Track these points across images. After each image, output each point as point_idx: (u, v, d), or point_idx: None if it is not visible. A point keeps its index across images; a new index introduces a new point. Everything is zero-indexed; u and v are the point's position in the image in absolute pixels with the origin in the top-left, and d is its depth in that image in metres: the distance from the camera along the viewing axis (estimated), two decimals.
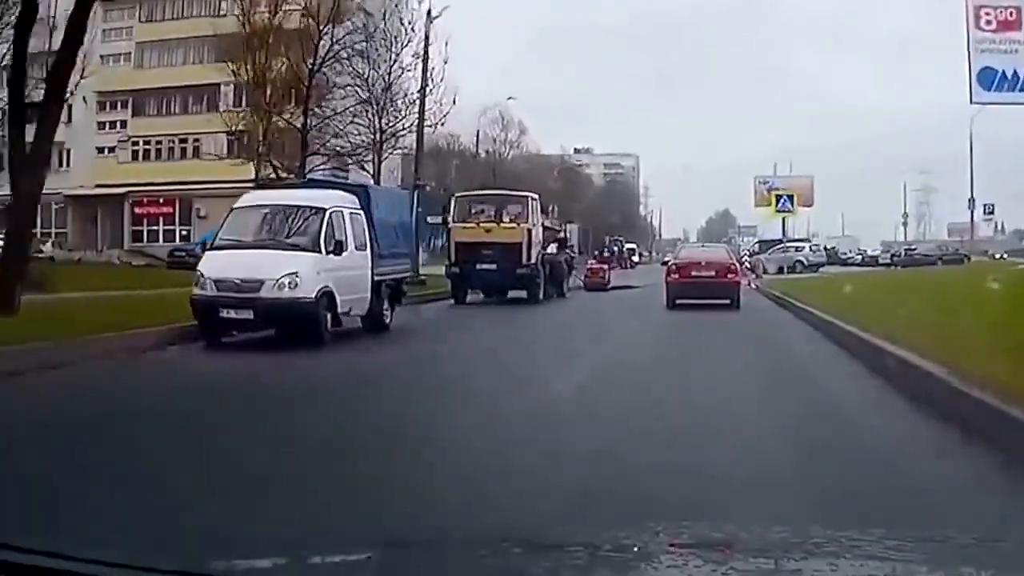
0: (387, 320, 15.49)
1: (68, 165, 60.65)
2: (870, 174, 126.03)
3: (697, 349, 13.20)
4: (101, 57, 61.76)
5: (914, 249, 56.77)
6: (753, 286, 31.20)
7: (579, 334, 16.30)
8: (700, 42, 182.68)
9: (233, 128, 32.67)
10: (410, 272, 16.83)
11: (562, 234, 30.48)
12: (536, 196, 25.70)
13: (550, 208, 72.40)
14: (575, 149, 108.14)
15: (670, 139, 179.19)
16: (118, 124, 60.60)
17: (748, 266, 43.87)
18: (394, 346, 14.22)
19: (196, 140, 54.31)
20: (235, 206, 14.71)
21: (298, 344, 12.84)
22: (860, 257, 65.68)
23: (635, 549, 2.01)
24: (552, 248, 27.40)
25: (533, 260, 23.91)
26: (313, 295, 13.06)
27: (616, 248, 76.35)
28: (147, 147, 59.80)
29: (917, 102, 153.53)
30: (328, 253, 13.46)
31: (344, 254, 13.79)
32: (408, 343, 14.67)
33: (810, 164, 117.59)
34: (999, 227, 75.93)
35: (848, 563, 1.85)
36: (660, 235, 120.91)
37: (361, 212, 14.63)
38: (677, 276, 21.04)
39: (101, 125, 60.72)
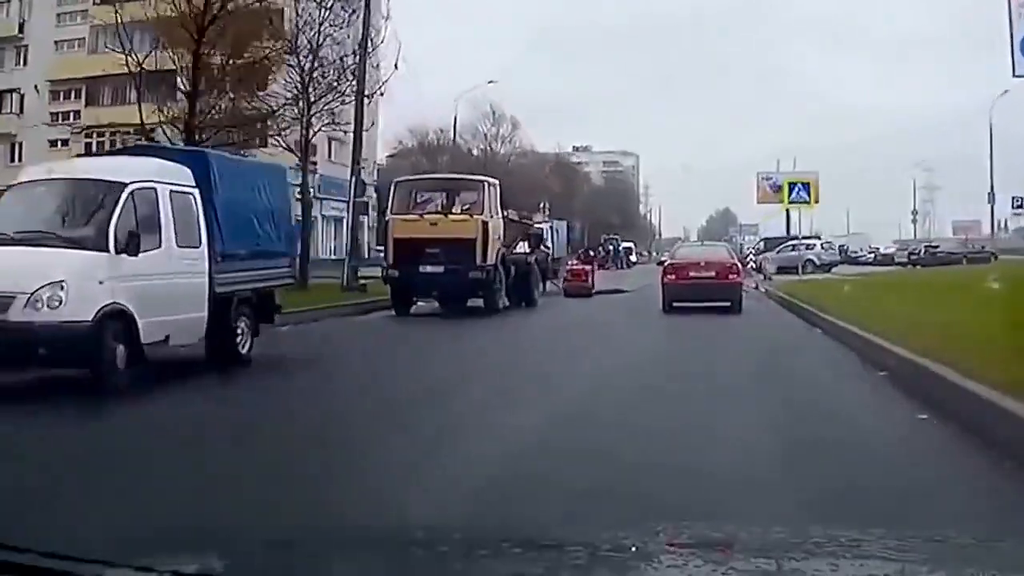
0: (242, 348, 10.76)
1: (20, 159, 56.36)
2: (870, 174, 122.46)
3: (701, 399, 8.40)
4: (55, 43, 57.61)
5: (936, 247, 51.70)
6: (762, 289, 26.90)
7: (531, 365, 11.62)
8: (700, 42, 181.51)
9: (171, 115, 28.38)
10: (289, 278, 12.09)
11: (536, 228, 25.73)
12: (495, 182, 20.99)
13: (542, 205, 68.66)
14: (574, 147, 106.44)
15: (670, 139, 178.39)
16: (71, 115, 56.04)
17: (753, 266, 39.35)
18: (230, 390, 9.43)
19: (152, 130, 49.74)
20: (12, 183, 10.08)
21: (84, 389, 8.46)
22: (873, 255, 60.73)
23: (635, 549, 1.99)
24: (523, 247, 22.79)
25: (490, 260, 19.23)
26: (90, 316, 8.39)
27: (611, 247, 72.26)
28: (101, 139, 55.07)
29: (916, 102, 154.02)
30: (121, 252, 8.78)
31: (151, 253, 9.12)
32: (257, 385, 9.90)
33: (811, 164, 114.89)
34: (1002, 224, 73.56)
35: (848, 563, 1.85)
36: (660, 234, 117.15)
37: (194, 192, 9.92)
38: (674, 277, 19.20)
39: (54, 116, 56.22)
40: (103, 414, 7.79)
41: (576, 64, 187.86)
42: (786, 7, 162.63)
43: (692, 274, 19.01)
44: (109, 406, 8.12)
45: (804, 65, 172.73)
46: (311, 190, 24.39)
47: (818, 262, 43.49)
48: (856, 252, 60.87)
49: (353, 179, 22.14)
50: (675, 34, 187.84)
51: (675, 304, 18.67)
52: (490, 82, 47.92)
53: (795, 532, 2.25)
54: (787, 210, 64.90)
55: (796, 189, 29.22)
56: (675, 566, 1.92)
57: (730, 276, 19.08)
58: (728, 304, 18.39)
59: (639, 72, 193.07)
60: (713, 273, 18.96)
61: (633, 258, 79.16)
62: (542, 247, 24.81)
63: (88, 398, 8.27)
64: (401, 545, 2.10)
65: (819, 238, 53.87)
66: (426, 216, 19.39)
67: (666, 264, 21.12)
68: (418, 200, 20.05)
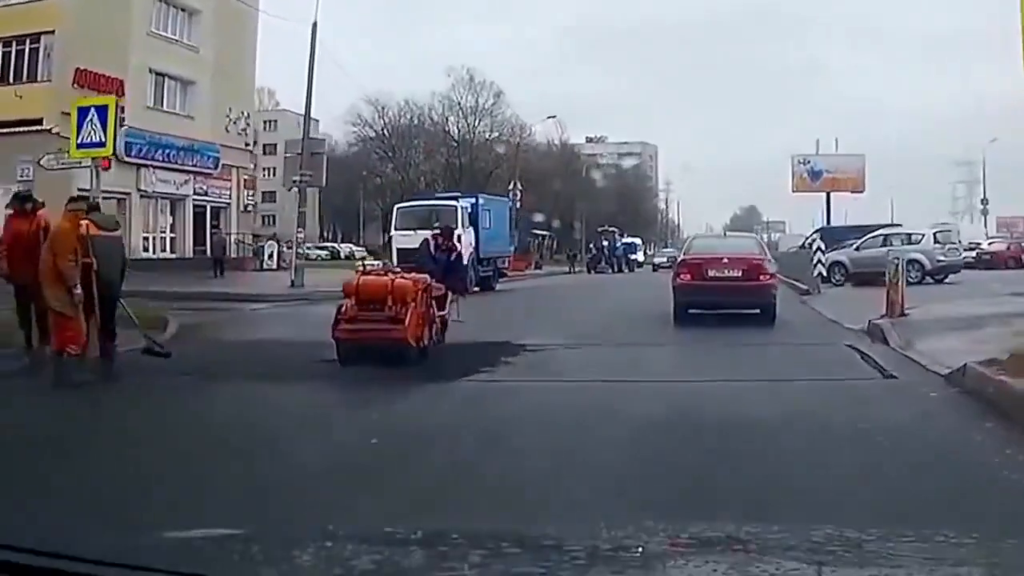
0: None
1: None
2: (900, 169, 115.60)
3: None
4: None
5: None
6: (898, 347, 10.67)
7: None
8: (719, 40, 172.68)
9: None
10: None
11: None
12: None
13: (512, 185, 51.38)
14: (587, 138, 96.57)
15: (690, 138, 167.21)
16: None
17: (821, 272, 22.67)
18: None
19: None
20: None
21: None
22: (975, 255, 41.31)
23: (635, 549, 1.98)
24: None
25: None
26: None
27: (606, 243, 54.53)
28: None
29: (935, 100, 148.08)
30: None
31: None
32: None
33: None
34: None
35: (848, 563, 1.87)
36: (680, 232, 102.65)
37: None
38: (688, 277, 16.19)
39: None
40: None
41: (595, 65, 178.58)
42: (808, 4, 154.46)
43: (712, 273, 16.09)
44: None
45: (827, 61, 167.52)
46: None
47: (928, 266, 25.67)
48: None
49: None
50: (693, 33, 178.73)
51: (691, 311, 15.73)
52: None
53: (795, 532, 2.21)
54: (827, 199, 49.35)
55: None
56: (675, 566, 1.92)
57: (761, 276, 16.01)
58: (757, 312, 15.72)
59: (658, 70, 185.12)
60: (739, 272, 15.95)
61: (640, 257, 61.82)
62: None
63: None
64: (400, 544, 2.07)
65: (901, 226, 35.00)
66: None
67: (678, 261, 17.83)
68: None
